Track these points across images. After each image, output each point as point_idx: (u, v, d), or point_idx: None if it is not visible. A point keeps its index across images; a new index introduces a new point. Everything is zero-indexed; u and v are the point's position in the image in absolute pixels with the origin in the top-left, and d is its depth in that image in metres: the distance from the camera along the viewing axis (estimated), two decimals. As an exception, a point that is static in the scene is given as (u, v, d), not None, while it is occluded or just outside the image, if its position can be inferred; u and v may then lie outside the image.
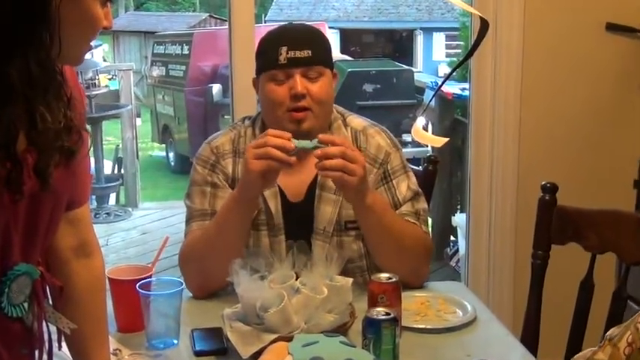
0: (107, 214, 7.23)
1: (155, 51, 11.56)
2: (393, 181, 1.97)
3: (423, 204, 1.99)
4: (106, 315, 1.49)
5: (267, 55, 1.91)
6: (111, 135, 10.70)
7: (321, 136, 1.75)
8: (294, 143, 1.72)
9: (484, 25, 1.93)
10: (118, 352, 1.61)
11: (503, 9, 3.01)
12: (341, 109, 2.05)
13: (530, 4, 3.01)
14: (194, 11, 23.67)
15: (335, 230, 1.94)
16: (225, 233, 1.80)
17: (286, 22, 2.07)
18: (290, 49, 1.87)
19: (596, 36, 3.06)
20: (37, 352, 1.30)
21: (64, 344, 1.38)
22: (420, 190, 2.00)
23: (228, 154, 1.97)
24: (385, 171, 1.97)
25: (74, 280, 1.40)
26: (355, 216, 1.88)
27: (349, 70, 7.49)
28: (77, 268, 1.41)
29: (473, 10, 2.34)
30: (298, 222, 1.93)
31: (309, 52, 1.88)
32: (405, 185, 1.97)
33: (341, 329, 1.59)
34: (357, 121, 2.03)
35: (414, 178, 2.01)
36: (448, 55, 15.96)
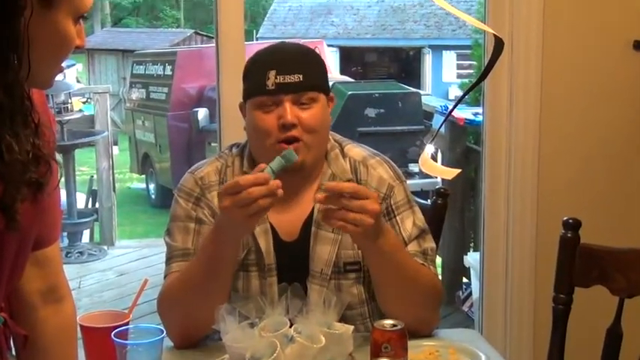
0: (80, 253, 7.21)
1: (134, 71, 11.60)
2: (397, 218, 1.97)
3: (430, 242, 1.99)
4: None
5: (254, 80, 1.91)
6: (85, 165, 10.70)
7: (327, 184, 1.74)
8: (269, 172, 1.67)
9: (499, 43, 1.94)
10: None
11: (521, 26, 3.03)
12: (338, 136, 2.05)
13: (549, 21, 3.03)
14: (178, 27, 23.80)
15: (333, 273, 1.93)
16: (208, 275, 1.79)
17: (277, 41, 2.07)
18: (279, 73, 1.87)
19: (622, 55, 3.08)
20: None
21: None
22: (426, 226, 2.00)
23: (214, 185, 1.97)
24: (388, 206, 1.97)
25: (42, 329, 1.40)
26: (362, 254, 1.87)
27: (350, 92, 7.51)
28: (45, 314, 1.41)
29: (486, 28, 2.36)
30: (292, 263, 1.93)
31: (300, 76, 1.88)
32: (411, 222, 1.97)
33: (340, 383, 1.58)
34: (356, 150, 2.03)
35: (420, 214, 2.01)
36: (460, 76, 16.02)
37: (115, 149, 10.15)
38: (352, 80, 11.36)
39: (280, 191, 1.67)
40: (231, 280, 1.86)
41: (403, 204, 1.98)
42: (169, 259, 1.94)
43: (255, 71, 1.92)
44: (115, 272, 6.91)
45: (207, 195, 1.96)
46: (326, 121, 1.95)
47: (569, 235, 2.03)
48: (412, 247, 1.94)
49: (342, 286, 1.93)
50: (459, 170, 2.15)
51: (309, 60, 1.95)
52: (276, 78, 1.87)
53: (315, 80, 1.92)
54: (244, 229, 1.78)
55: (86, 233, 7.80)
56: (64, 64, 1.26)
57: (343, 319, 1.68)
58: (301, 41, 11.09)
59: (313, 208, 1.92)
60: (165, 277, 1.94)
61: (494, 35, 1.94)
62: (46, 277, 1.40)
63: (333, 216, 1.70)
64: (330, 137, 2.01)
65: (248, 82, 1.95)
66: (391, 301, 1.88)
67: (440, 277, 2.03)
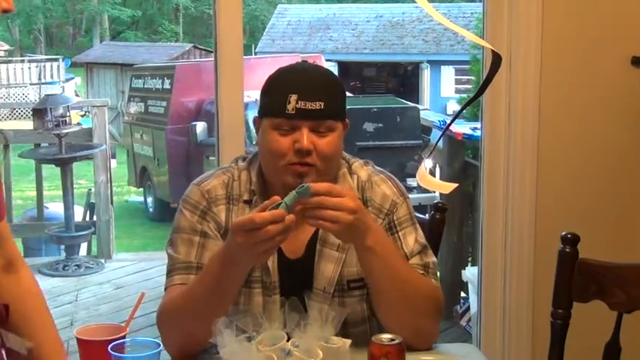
0: (77, 266, 7.19)
1: (133, 85, 11.64)
2: (400, 233, 1.96)
3: (431, 257, 1.98)
4: (53, 323, 1.52)
5: (274, 100, 1.89)
6: (83, 178, 10.72)
7: (314, 185, 1.73)
8: (284, 208, 1.65)
9: (496, 58, 1.94)
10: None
11: (519, 41, 3.04)
12: (346, 154, 2.04)
13: (548, 36, 3.04)
14: (176, 41, 23.86)
15: (336, 291, 1.93)
16: (211, 296, 1.77)
17: (300, 61, 2.05)
18: (300, 98, 1.85)
19: (620, 71, 3.09)
20: None
21: None
22: (426, 243, 2.00)
23: (221, 199, 1.96)
24: (391, 221, 1.97)
25: (13, 299, 1.44)
26: (358, 261, 1.87)
27: (348, 107, 7.50)
28: (8, 285, 1.46)
29: (484, 43, 2.36)
30: (295, 280, 1.92)
31: (322, 104, 1.86)
32: (413, 238, 1.96)
33: (338, 397, 1.58)
34: (362, 170, 2.02)
35: (421, 232, 2.00)
36: (458, 91, 16.06)
37: (113, 162, 10.16)
38: (350, 95, 11.37)
39: (292, 217, 1.65)
40: (235, 298, 1.85)
41: (406, 220, 1.98)
42: (171, 271, 1.93)
43: (276, 91, 1.90)
44: (112, 285, 6.90)
45: (213, 209, 1.95)
46: (340, 148, 1.94)
47: (567, 250, 2.03)
48: (414, 261, 1.94)
49: (345, 304, 1.93)
50: (456, 185, 2.15)
51: (331, 87, 1.92)
52: (297, 103, 1.85)
53: (335, 109, 1.90)
54: (256, 261, 1.79)
55: (84, 246, 7.79)
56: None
57: (345, 337, 1.67)
58: (300, 56, 11.13)
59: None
60: (165, 289, 1.93)
61: (492, 50, 1.94)
62: (4, 252, 1.45)
63: (310, 215, 1.70)
64: None
65: (267, 100, 1.92)
66: (387, 308, 1.87)
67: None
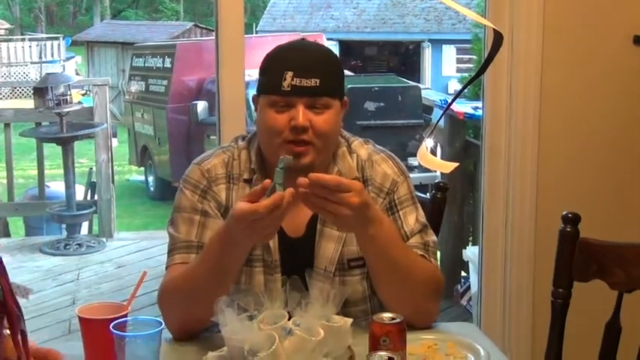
0: (78, 245, 7.20)
1: (134, 64, 11.61)
2: (400, 212, 1.97)
3: (431, 236, 1.99)
4: None
5: (271, 78, 1.89)
6: (84, 157, 10.72)
7: (312, 175, 1.69)
8: (278, 188, 1.66)
9: (498, 37, 1.94)
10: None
11: (521, 20, 3.03)
12: (345, 133, 2.04)
13: (549, 15, 3.03)
14: (177, 20, 23.78)
15: (337, 270, 1.94)
16: (212, 275, 1.78)
17: (298, 38, 2.04)
18: (296, 75, 1.85)
19: (622, 50, 3.08)
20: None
21: None
22: (427, 222, 2.00)
23: (221, 178, 1.96)
24: (392, 201, 1.97)
25: None
26: (358, 246, 1.87)
27: (349, 86, 7.52)
28: None
29: (485, 22, 2.35)
30: (296, 259, 1.92)
31: (317, 80, 1.86)
32: (413, 217, 1.97)
33: (338, 376, 1.58)
34: (362, 149, 2.02)
35: (421, 211, 2.01)
36: (459, 71, 16.03)
37: (114, 141, 10.15)
38: (352, 74, 11.37)
39: (290, 190, 1.66)
40: (237, 277, 1.86)
41: (406, 199, 1.98)
42: (172, 250, 1.94)
43: (273, 69, 1.90)
44: (113, 264, 6.91)
45: (214, 188, 1.95)
46: (337, 126, 1.94)
47: (568, 229, 2.03)
48: (414, 240, 1.95)
49: (346, 283, 1.93)
50: (457, 164, 2.15)
51: (327, 64, 1.92)
52: (292, 80, 1.85)
53: (331, 86, 1.90)
54: (258, 242, 1.82)
55: (85, 225, 7.80)
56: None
57: (347, 316, 1.67)
58: (301, 35, 11.11)
59: None
60: (167, 268, 1.93)
61: (494, 29, 1.93)
62: None
63: (312, 202, 1.70)
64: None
65: (264, 78, 1.92)
66: (389, 292, 1.88)
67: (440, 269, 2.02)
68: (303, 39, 2.04)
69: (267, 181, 1.69)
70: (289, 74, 1.85)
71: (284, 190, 1.66)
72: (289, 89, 1.86)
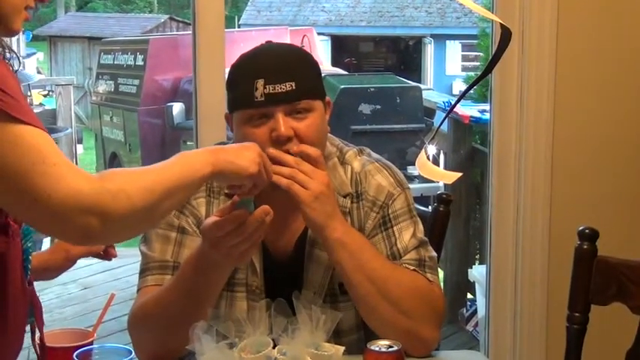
0: (39, 263, 7.18)
1: (101, 61, 11.60)
2: (394, 228, 1.96)
3: (430, 252, 1.99)
4: None
5: (240, 90, 1.89)
6: (45, 165, 10.67)
7: (305, 147, 1.79)
8: (247, 205, 1.69)
9: (506, 33, 1.95)
10: None
11: (533, 14, 3.04)
12: (338, 141, 2.05)
13: (564, 9, 3.04)
14: (150, 12, 23.79)
15: (327, 295, 1.94)
16: (187, 302, 1.77)
17: (264, 42, 2.03)
18: (268, 82, 1.85)
19: (644, 47, 3.10)
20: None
21: None
22: (426, 239, 2.00)
23: (200, 192, 1.96)
24: (385, 215, 1.97)
25: None
26: (326, 252, 1.88)
27: (342, 86, 7.51)
28: None
29: (492, 16, 2.37)
30: (283, 284, 1.92)
31: (292, 84, 1.86)
32: (409, 233, 1.96)
33: (329, 410, 1.58)
34: (356, 160, 2.02)
35: (421, 226, 2.00)
36: (465, 69, 16.08)
37: (80, 148, 10.16)
38: (345, 73, 11.37)
39: (269, 217, 1.68)
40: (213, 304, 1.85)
41: (403, 213, 1.98)
42: (144, 271, 1.93)
43: (241, 81, 1.89)
44: (78, 286, 6.89)
45: (192, 202, 1.95)
46: (323, 129, 1.94)
47: (585, 246, 2.04)
48: (408, 257, 1.94)
49: (337, 309, 1.92)
50: (461, 174, 2.16)
51: (300, 64, 1.92)
52: (265, 88, 1.84)
53: (309, 87, 1.90)
54: (234, 264, 1.81)
55: (46, 242, 7.78)
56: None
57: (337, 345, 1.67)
58: (289, 29, 11.12)
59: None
60: (138, 290, 1.93)
61: (501, 24, 1.94)
62: None
63: (283, 173, 1.77)
64: (328, 143, 2.00)
65: (233, 92, 1.92)
66: (368, 310, 1.89)
67: (440, 286, 2.01)
68: (268, 42, 2.05)
69: (235, 198, 1.70)
70: (260, 82, 1.85)
71: (250, 211, 1.68)
72: (263, 99, 1.85)
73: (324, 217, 1.80)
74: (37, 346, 1.68)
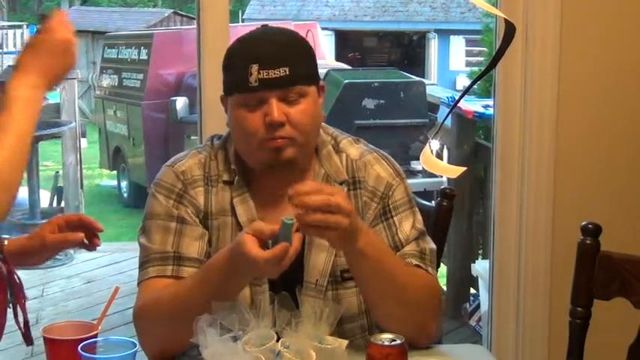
0: (43, 257, 7.19)
1: (106, 55, 11.60)
2: (395, 218, 1.98)
3: (429, 244, 2.00)
4: None
5: (235, 74, 1.91)
6: (49, 159, 10.70)
7: (291, 191, 1.70)
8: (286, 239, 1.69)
9: (510, 28, 1.95)
10: None
11: (537, 9, 3.04)
12: (332, 130, 2.06)
13: (568, 3, 3.03)
14: (155, 7, 23.78)
15: (329, 283, 1.94)
16: (213, 298, 1.74)
17: (260, 25, 2.04)
18: (262, 67, 1.86)
19: (650, 42, 3.09)
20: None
21: None
22: (425, 229, 2.01)
23: (198, 181, 1.97)
24: (385, 206, 1.98)
25: None
26: (347, 262, 1.88)
27: (346, 81, 7.49)
28: None
29: (495, 11, 2.37)
30: (285, 272, 1.92)
31: (287, 69, 1.87)
32: (409, 224, 1.98)
33: (332, 403, 1.59)
34: (352, 148, 2.03)
35: (419, 216, 2.02)
36: (469, 64, 16.06)
37: (84, 142, 10.14)
38: (349, 67, 11.36)
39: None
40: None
41: (402, 204, 1.99)
42: (145, 263, 1.93)
43: (236, 65, 1.91)
44: (82, 279, 6.90)
45: (190, 191, 1.96)
46: (317, 115, 1.95)
47: (588, 241, 2.04)
48: (409, 248, 1.96)
49: (340, 297, 1.94)
50: (465, 168, 2.16)
51: (295, 49, 1.93)
52: (259, 73, 1.86)
53: (303, 72, 1.91)
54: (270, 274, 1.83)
55: (50, 236, 7.78)
56: None
57: (342, 333, 1.68)
58: (292, 24, 11.10)
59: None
60: (139, 283, 1.93)
61: (505, 20, 1.94)
62: None
63: (310, 224, 1.69)
64: (322, 131, 2.01)
65: (229, 75, 1.94)
66: (385, 309, 1.89)
67: (443, 285, 2.03)
68: (264, 25, 2.05)
69: (276, 227, 1.69)
70: (255, 67, 1.87)
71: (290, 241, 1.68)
72: (257, 84, 1.87)
73: (349, 239, 1.77)
74: (19, 322, 1.73)
